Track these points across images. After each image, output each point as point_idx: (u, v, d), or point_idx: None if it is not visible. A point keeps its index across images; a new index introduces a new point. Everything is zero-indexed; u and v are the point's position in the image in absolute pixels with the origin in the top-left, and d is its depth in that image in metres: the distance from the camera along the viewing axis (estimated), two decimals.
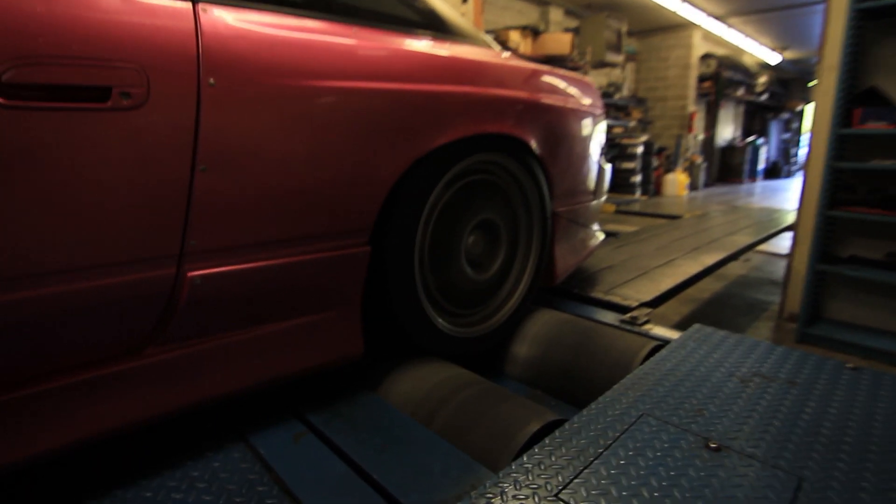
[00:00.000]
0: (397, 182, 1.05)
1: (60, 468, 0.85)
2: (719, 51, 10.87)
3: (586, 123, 1.66)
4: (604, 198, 1.98)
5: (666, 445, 0.84)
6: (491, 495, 0.72)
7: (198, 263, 0.81)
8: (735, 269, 3.90)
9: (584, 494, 0.72)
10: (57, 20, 0.66)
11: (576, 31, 7.79)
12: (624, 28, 7.95)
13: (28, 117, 0.64)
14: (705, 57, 10.34)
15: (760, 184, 12.19)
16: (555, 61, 6.96)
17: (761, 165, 12.95)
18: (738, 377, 1.08)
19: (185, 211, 0.78)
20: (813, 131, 2.57)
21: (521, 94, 1.32)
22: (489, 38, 1.52)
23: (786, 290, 2.73)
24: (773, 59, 12.31)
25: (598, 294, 1.74)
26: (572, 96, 1.58)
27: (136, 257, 0.76)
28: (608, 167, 1.97)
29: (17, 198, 0.65)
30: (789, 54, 12.12)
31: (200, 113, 0.77)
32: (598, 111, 1.78)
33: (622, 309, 1.62)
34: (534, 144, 1.38)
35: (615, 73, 9.21)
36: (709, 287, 3.42)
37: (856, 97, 2.41)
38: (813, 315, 2.58)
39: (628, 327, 1.46)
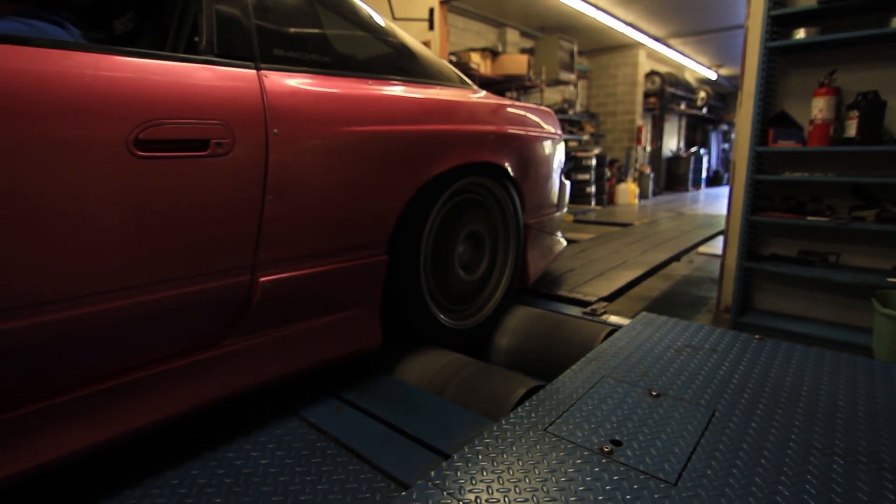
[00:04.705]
0: (408, 203, 1.31)
1: (160, 434, 1.05)
2: (662, 68, 11.71)
3: (549, 146, 1.98)
4: (565, 209, 2.30)
5: (621, 395, 1.13)
6: (498, 433, 0.99)
7: (266, 271, 1.04)
8: (680, 269, 4.34)
9: (565, 428, 1.00)
10: (168, 91, 0.89)
11: (531, 52, 8.30)
12: (575, 48, 8.53)
13: (154, 164, 0.87)
14: (650, 74, 11.12)
15: (704, 191, 13.11)
16: (513, 80, 7.41)
17: (704, 174, 13.91)
18: (675, 349, 1.40)
19: (258, 231, 1.02)
20: (736, 148, 3.01)
21: (498, 127, 1.62)
22: (469, 81, 1.81)
23: (721, 285, 3.15)
24: (711, 75, 13.33)
25: (563, 292, 2.04)
26: (537, 125, 1.89)
27: (222, 267, 0.99)
28: (567, 183, 2.30)
29: (145, 226, 0.87)
30: (724, 71, 13.17)
31: (269, 156, 1.01)
32: (558, 135, 2.10)
33: (584, 304, 1.93)
34: (509, 168, 1.67)
35: (569, 91, 9.78)
36: (657, 286, 3.82)
37: (769, 119, 2.86)
38: (744, 306, 3.00)
39: (590, 318, 1.77)
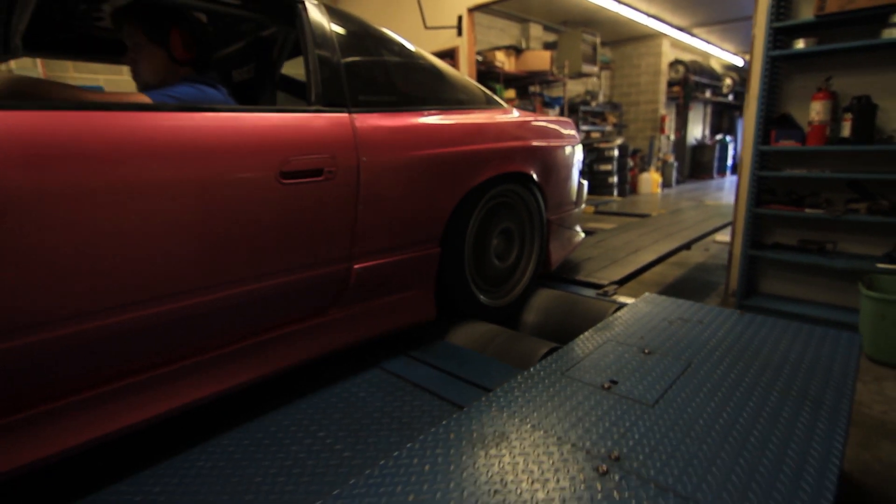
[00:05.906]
0: (455, 207, 1.69)
1: (287, 379, 1.47)
2: (687, 57, 11.70)
3: (568, 151, 2.33)
4: (583, 206, 2.64)
5: (620, 352, 1.50)
6: (528, 376, 1.37)
7: (358, 261, 1.44)
8: (696, 257, 4.62)
9: (577, 373, 1.38)
10: (297, 135, 1.29)
11: (554, 46, 8.52)
12: (598, 41, 8.70)
13: (292, 188, 1.27)
14: (674, 63, 11.16)
15: (729, 179, 13.07)
16: (536, 75, 7.67)
17: (730, 162, 13.84)
18: (668, 321, 1.75)
19: (352, 230, 1.42)
20: (742, 146, 3.28)
21: (524, 142, 1.98)
22: (497, 98, 2.17)
23: (729, 271, 3.44)
24: (738, 61, 13.21)
25: (581, 277, 2.40)
26: (557, 134, 2.24)
27: (330, 258, 1.39)
28: (585, 183, 2.64)
29: (287, 231, 1.27)
30: None
31: (360, 177, 1.41)
32: (576, 141, 2.45)
33: (598, 286, 2.28)
34: (534, 174, 2.03)
35: (592, 82, 9.96)
36: (671, 273, 4.12)
37: (773, 120, 3.12)
38: (749, 290, 3.29)
39: (601, 298, 2.13)
